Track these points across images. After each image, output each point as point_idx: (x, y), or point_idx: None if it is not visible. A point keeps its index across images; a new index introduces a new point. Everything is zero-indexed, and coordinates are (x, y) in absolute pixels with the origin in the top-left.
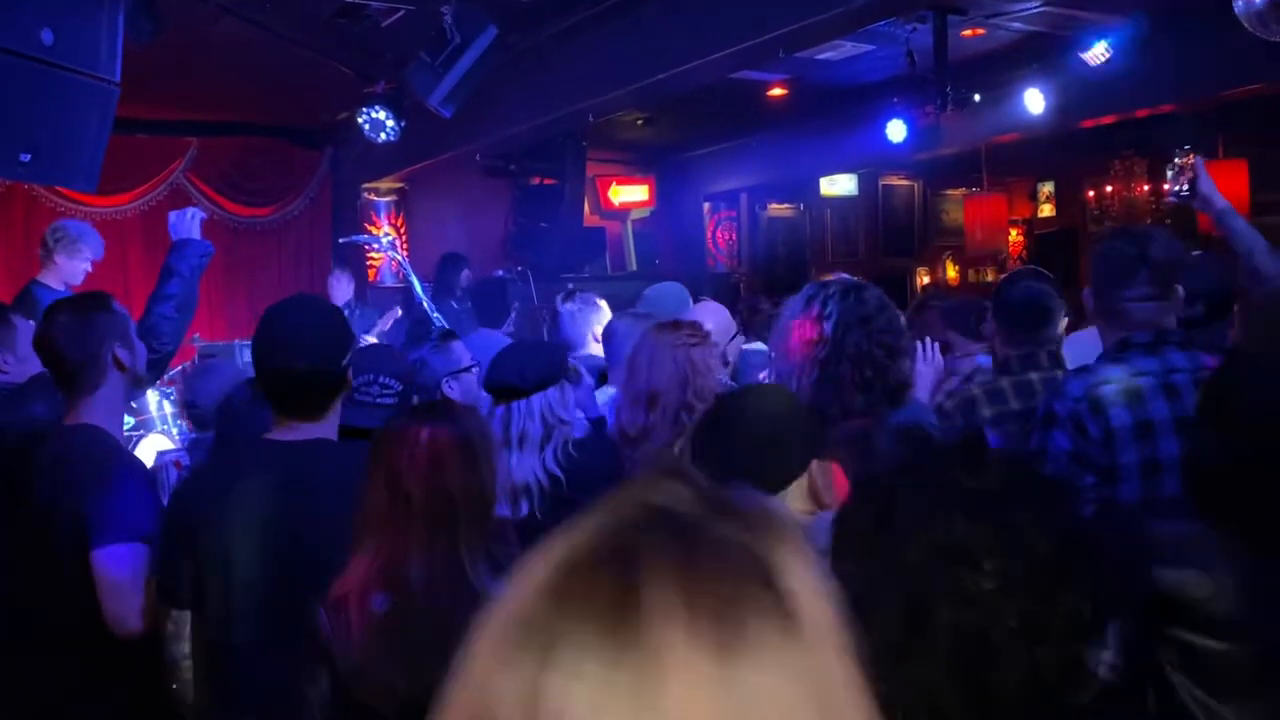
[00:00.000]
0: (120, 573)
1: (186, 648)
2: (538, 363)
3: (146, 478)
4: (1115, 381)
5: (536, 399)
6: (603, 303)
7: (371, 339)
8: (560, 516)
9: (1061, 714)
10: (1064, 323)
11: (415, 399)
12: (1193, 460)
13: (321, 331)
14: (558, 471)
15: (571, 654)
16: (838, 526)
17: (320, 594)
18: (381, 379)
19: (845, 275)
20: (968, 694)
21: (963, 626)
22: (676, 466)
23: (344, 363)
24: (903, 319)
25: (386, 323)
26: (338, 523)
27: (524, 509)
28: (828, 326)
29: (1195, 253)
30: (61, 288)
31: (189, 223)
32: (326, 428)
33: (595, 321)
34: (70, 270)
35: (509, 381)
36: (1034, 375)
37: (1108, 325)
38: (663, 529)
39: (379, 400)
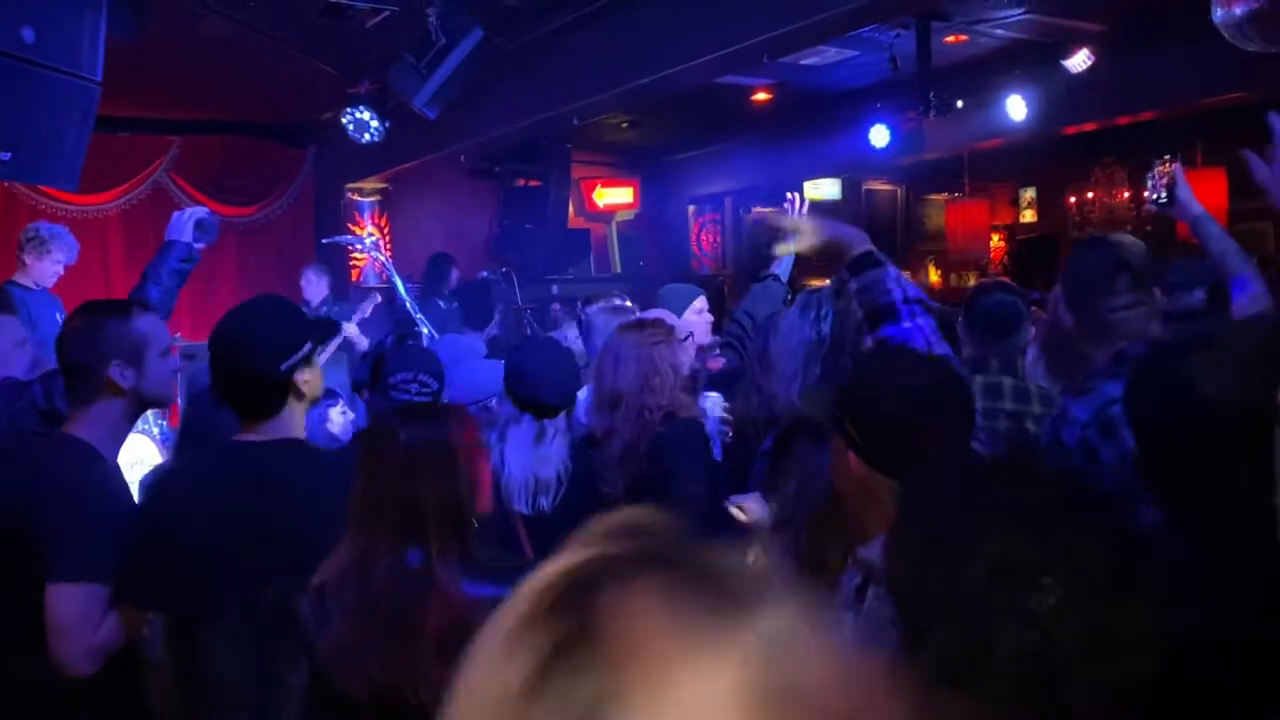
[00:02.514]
0: (66, 613)
1: (162, 649)
2: (568, 378)
3: (122, 507)
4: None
5: (563, 413)
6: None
7: (353, 328)
8: (570, 512)
9: None
10: (1030, 331)
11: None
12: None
13: (257, 336)
14: (571, 466)
15: (560, 682)
16: (888, 550)
17: (291, 589)
18: (421, 376)
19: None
20: (1036, 717)
21: (1025, 647)
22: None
23: (284, 366)
24: None
25: (367, 309)
26: (304, 521)
27: (543, 505)
28: (825, 327)
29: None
30: (35, 288)
31: (184, 223)
32: (293, 426)
33: None
34: (40, 271)
35: (548, 401)
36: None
37: (1093, 339)
38: (645, 558)
39: (416, 397)
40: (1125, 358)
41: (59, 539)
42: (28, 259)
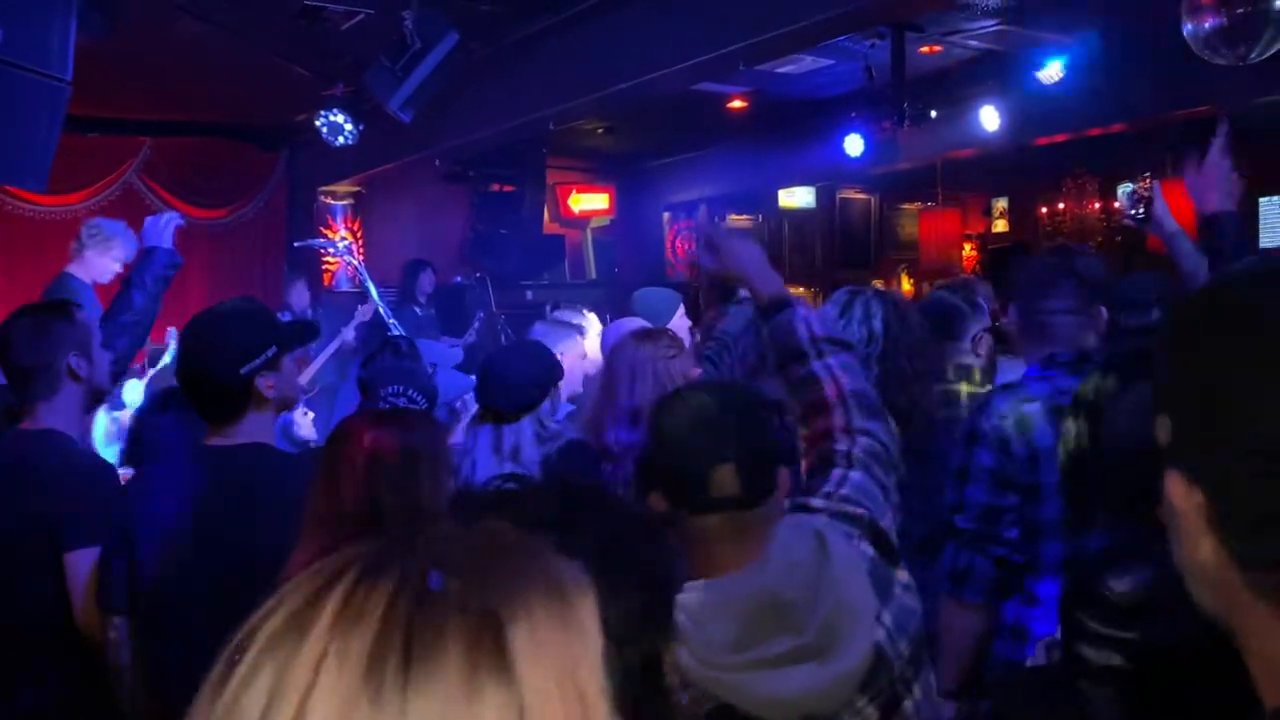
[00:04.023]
0: (89, 573)
1: (128, 654)
2: (524, 383)
3: (115, 478)
4: (1040, 399)
5: (527, 419)
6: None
7: (350, 332)
8: None
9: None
10: (981, 338)
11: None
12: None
13: (216, 339)
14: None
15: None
16: None
17: (259, 594)
18: (410, 392)
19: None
20: None
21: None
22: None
23: (243, 370)
24: None
25: (367, 313)
26: (272, 527)
27: None
28: (877, 324)
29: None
30: (89, 282)
31: (162, 229)
32: (259, 432)
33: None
34: (100, 267)
35: (497, 406)
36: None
37: (1029, 340)
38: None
39: None
40: (1053, 362)
41: (72, 512)
42: (89, 253)
